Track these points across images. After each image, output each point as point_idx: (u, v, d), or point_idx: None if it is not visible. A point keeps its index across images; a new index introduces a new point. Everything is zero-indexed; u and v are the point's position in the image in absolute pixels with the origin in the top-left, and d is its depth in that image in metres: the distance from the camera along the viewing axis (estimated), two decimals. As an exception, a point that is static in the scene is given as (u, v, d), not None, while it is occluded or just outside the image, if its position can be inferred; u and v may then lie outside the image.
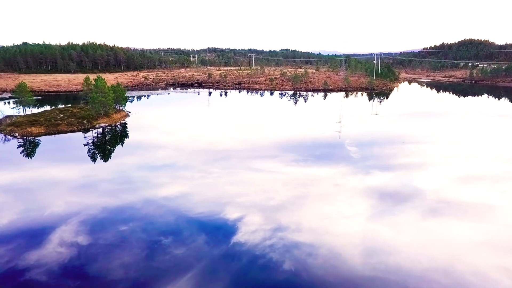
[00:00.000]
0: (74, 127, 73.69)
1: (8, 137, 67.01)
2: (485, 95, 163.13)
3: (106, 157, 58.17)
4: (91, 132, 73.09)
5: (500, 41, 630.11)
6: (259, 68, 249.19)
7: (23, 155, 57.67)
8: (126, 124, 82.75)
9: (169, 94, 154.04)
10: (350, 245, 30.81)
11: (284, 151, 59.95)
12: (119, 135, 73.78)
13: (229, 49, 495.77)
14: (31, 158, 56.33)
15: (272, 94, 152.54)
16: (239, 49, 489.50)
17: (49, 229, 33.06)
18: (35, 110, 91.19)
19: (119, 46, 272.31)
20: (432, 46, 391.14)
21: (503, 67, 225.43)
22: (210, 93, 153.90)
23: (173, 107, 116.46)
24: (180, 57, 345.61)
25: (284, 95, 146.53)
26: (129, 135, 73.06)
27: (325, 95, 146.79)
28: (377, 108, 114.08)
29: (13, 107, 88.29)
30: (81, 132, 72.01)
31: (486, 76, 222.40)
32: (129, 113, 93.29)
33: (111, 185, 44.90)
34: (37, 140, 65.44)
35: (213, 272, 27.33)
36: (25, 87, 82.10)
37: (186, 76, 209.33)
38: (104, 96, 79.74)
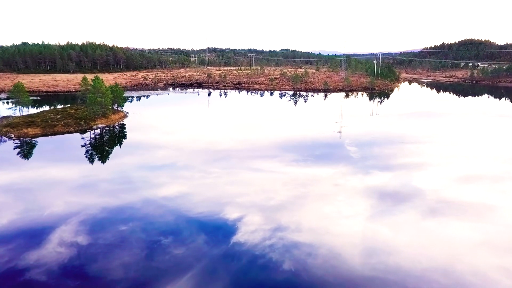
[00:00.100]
0: (71, 128, 72.92)
1: (4, 138, 66.09)
2: (486, 95, 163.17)
3: (104, 157, 58.13)
4: (88, 133, 72.41)
5: (500, 41, 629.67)
6: (259, 68, 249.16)
7: (20, 156, 56.95)
8: (125, 125, 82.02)
9: (168, 94, 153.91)
10: (350, 245, 30.81)
11: (284, 151, 59.95)
12: (117, 136, 73.15)
13: (229, 49, 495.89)
14: (27, 159, 55.76)
15: (272, 94, 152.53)
16: (239, 49, 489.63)
17: (49, 229, 33.04)
18: (34, 110, 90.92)
19: (119, 46, 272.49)
20: (432, 46, 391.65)
21: (504, 67, 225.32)
22: (209, 93, 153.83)
23: (172, 107, 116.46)
24: (179, 57, 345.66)
25: (284, 95, 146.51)
26: (128, 135, 72.52)
27: (325, 95, 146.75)
28: (378, 108, 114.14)
29: (10, 108, 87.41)
30: (78, 133, 71.35)
31: (487, 76, 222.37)
32: (127, 114, 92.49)
33: (110, 185, 44.90)
34: (33, 141, 64.61)
35: (212, 272, 27.32)
36: (22, 88, 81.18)
37: (185, 76, 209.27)
38: (102, 96, 78.83)
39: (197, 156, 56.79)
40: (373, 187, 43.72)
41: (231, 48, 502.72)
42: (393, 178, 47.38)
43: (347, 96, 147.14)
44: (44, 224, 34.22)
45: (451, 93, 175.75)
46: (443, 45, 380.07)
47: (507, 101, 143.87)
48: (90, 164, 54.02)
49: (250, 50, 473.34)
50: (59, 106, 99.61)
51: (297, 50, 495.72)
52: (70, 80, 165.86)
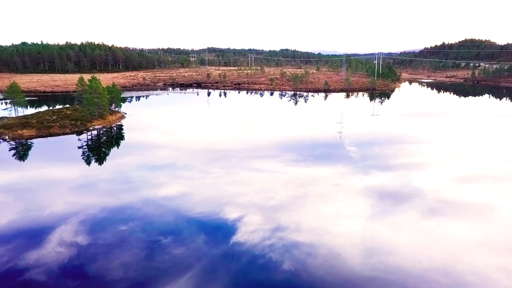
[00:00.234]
0: (67, 130, 71.81)
1: (-2, 139, 64.59)
2: (487, 96, 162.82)
3: (103, 158, 58.07)
4: (85, 134, 71.27)
5: (501, 41, 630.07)
6: (258, 68, 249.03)
7: (15, 158, 55.84)
8: (122, 126, 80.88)
9: (168, 94, 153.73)
10: (350, 245, 30.80)
11: (284, 151, 59.94)
12: (114, 137, 72.25)
13: (228, 49, 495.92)
14: (23, 160, 54.84)
15: (272, 94, 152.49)
16: (238, 49, 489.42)
17: (49, 229, 33.04)
18: (32, 110, 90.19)
19: (118, 46, 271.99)
20: (433, 46, 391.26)
21: (505, 67, 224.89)
22: (209, 94, 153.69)
23: (172, 107, 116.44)
24: (179, 57, 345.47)
25: (284, 96, 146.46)
26: (126, 136, 71.65)
27: (326, 96, 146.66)
28: (379, 108, 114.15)
29: (5, 109, 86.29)
30: (75, 135, 70.14)
31: (488, 76, 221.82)
32: (125, 115, 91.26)
33: (110, 185, 44.90)
34: (29, 143, 63.37)
35: (212, 272, 27.31)
36: (17, 88, 79.84)
37: (185, 76, 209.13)
38: (99, 97, 77.68)
39: (197, 156, 56.78)
40: (373, 187, 43.71)
41: (231, 48, 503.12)
42: (393, 178, 47.37)
43: (347, 96, 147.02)
44: (44, 224, 34.22)
45: (452, 93, 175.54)
46: (443, 45, 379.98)
47: (508, 101, 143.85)
48: (90, 164, 54.03)
49: (250, 50, 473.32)
50: (57, 107, 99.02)
51: (297, 50, 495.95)
52: (69, 80, 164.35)
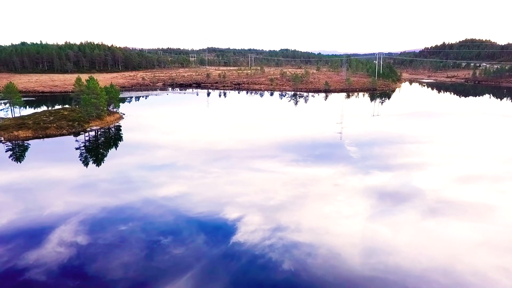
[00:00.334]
0: (64, 131, 70.72)
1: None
2: (488, 96, 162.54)
3: (101, 159, 58.01)
4: (82, 135, 70.25)
5: (501, 41, 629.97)
6: (258, 68, 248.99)
7: (12, 159, 55.23)
8: (120, 126, 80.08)
9: (167, 94, 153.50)
10: (350, 245, 30.80)
11: (283, 151, 59.93)
12: (113, 138, 71.40)
13: (228, 49, 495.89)
14: (19, 162, 54.22)
15: (272, 94, 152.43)
16: (238, 49, 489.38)
17: (49, 229, 33.04)
18: (31, 110, 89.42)
19: (117, 46, 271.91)
20: (433, 46, 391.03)
21: (506, 67, 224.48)
22: (208, 94, 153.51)
23: (171, 107, 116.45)
24: (179, 57, 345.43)
25: (284, 96, 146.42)
26: (125, 137, 71.12)
27: (326, 96, 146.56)
28: (379, 108, 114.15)
29: (1, 109, 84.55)
30: (72, 136, 69.19)
31: (489, 76, 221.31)
32: (123, 115, 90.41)
33: (110, 185, 44.90)
34: (26, 144, 62.80)
35: (212, 272, 27.31)
36: (13, 88, 78.85)
37: (184, 76, 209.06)
38: (96, 97, 76.73)
39: (197, 156, 56.77)
40: (373, 187, 43.70)
41: (231, 48, 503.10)
42: (393, 178, 47.36)
43: (348, 96, 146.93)
44: (43, 224, 34.21)
45: (453, 93, 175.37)
46: (443, 45, 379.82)
47: (509, 101, 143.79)
48: (90, 164, 54.00)
49: (250, 50, 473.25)
50: (56, 107, 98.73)
51: (297, 50, 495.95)
52: (67, 80, 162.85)
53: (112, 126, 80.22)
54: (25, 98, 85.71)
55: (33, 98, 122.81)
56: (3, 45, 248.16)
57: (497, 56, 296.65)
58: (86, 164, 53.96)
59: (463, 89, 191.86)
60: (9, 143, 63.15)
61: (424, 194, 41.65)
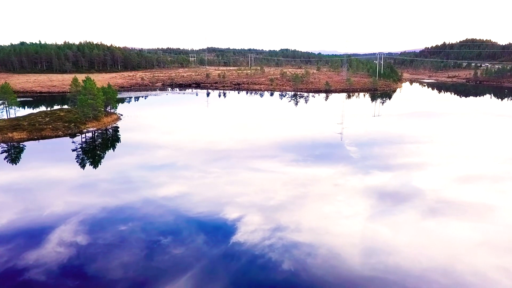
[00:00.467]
0: (60, 132, 69.18)
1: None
2: (489, 96, 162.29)
3: (101, 159, 58.02)
4: (78, 137, 68.86)
5: (502, 41, 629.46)
6: (258, 68, 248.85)
7: (7, 161, 54.64)
8: (118, 127, 79.13)
9: (166, 94, 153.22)
10: (350, 245, 30.79)
11: (283, 151, 59.93)
12: (110, 139, 70.38)
13: (228, 48, 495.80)
14: (15, 164, 53.50)
15: (272, 95, 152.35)
16: (238, 49, 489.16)
17: (48, 229, 33.04)
18: (26, 112, 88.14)
19: (117, 46, 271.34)
20: (434, 46, 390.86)
21: (508, 67, 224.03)
22: (208, 94, 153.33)
23: (170, 107, 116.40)
24: (178, 57, 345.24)
25: (284, 96, 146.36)
26: (124, 137, 70.53)
27: (327, 96, 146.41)
28: (380, 109, 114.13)
29: None
30: (68, 137, 67.93)
31: (490, 76, 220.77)
32: (121, 116, 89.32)
33: (110, 185, 44.89)
34: (21, 146, 62.01)
35: (212, 272, 27.30)
36: (8, 89, 77.39)
37: (184, 76, 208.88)
38: (93, 98, 75.28)
39: (197, 156, 56.77)
40: (373, 187, 43.70)
41: (231, 48, 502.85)
42: (393, 178, 47.35)
43: (349, 96, 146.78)
44: (43, 224, 34.22)
45: (453, 93, 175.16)
46: (444, 45, 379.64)
47: (510, 101, 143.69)
48: (90, 165, 54.00)
49: (250, 50, 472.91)
50: (53, 107, 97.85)
51: (297, 50, 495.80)
52: (66, 80, 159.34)
53: (110, 127, 79.14)
54: (22, 99, 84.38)
55: (31, 99, 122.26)
56: (1, 45, 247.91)
57: (498, 56, 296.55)
58: (85, 164, 53.98)
59: (464, 89, 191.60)
60: (3, 145, 62.25)
61: (424, 194, 41.64)
